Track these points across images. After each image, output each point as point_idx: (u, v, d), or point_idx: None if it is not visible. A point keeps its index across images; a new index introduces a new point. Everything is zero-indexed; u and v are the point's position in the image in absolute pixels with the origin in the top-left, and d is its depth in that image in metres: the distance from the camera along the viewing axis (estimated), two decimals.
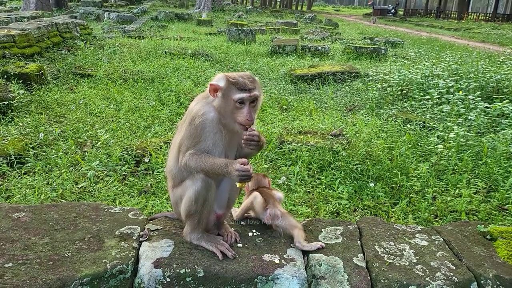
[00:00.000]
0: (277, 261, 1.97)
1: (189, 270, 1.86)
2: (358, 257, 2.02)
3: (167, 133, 5.05)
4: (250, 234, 2.22)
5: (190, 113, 2.10)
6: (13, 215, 2.20)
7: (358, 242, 2.15)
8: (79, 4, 28.94)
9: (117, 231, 2.11)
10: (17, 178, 3.74)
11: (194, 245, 2.07)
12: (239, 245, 2.11)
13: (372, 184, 3.94)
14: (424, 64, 8.64)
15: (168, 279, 1.83)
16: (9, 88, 5.55)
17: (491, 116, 5.72)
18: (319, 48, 12.23)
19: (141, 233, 2.12)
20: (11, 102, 5.23)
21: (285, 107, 6.63)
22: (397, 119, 5.73)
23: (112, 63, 8.52)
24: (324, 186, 4.10)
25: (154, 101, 6.24)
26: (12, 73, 6.21)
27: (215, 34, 16.25)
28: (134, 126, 5.27)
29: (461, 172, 4.28)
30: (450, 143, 4.67)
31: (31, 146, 4.34)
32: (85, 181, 3.79)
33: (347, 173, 4.27)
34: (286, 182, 4.01)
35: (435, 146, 4.58)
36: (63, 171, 3.89)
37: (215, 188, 2.07)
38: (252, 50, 12.40)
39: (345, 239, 2.16)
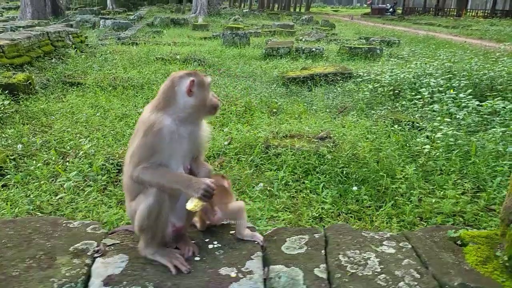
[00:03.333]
0: (233, 274, 1.89)
1: (140, 287, 1.79)
2: (320, 267, 1.94)
3: None
4: (211, 246, 2.14)
5: (144, 124, 2.04)
6: None
7: (323, 251, 2.07)
8: (76, 12, 29.02)
9: (72, 247, 2.04)
10: None
11: (149, 260, 2.00)
12: (197, 258, 2.03)
13: (355, 188, 3.87)
14: (417, 63, 8.56)
15: None
16: None
17: (482, 114, 5.63)
18: (313, 49, 12.17)
19: (96, 249, 2.06)
20: None
21: (275, 110, 6.57)
22: (386, 119, 5.66)
23: (102, 71, 8.49)
24: (308, 191, 4.03)
25: (142, 108, 6.18)
26: None
27: (210, 38, 16.23)
28: (119, 134, 5.22)
29: (449, 173, 4.20)
30: (438, 143, 4.60)
31: (12, 157, 4.29)
32: (64, 192, 3.74)
33: (332, 177, 4.20)
34: (267, 189, 3.94)
35: (422, 147, 4.51)
36: (42, 182, 3.84)
37: (168, 203, 2.00)
38: (246, 53, 12.35)
39: (309, 248, 2.09)
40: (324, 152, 4.46)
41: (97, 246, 2.09)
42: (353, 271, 1.90)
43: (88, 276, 1.89)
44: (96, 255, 2.02)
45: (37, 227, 2.19)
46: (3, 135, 4.82)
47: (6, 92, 6.12)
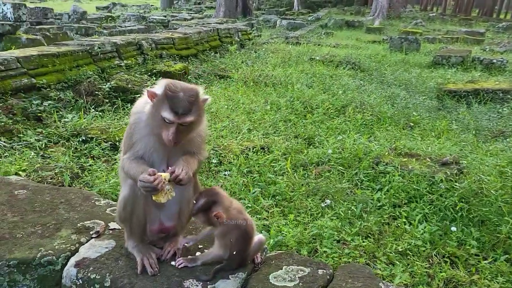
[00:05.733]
0: None
1: (99, 277, 1.77)
2: None
3: (260, 139, 4.97)
4: (198, 254, 1.98)
5: (132, 111, 1.99)
6: (15, 192, 2.45)
7: None
8: (264, 13, 31.24)
9: (81, 223, 2.15)
10: (109, 162, 4.22)
11: (130, 252, 1.96)
12: (173, 263, 1.91)
13: (453, 228, 3.16)
14: None
15: (80, 281, 1.78)
16: (146, 83, 6.31)
17: None
18: (494, 61, 10.45)
19: (97, 229, 2.12)
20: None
21: (412, 124, 5.87)
22: None
23: (253, 67, 8.90)
24: (405, 220, 3.47)
25: (269, 105, 6.26)
26: (156, 70, 7.04)
27: (379, 42, 15.47)
28: (237, 127, 5.36)
29: None
30: None
31: None
32: None
33: (440, 210, 3.53)
34: (351, 208, 3.53)
35: None
36: None
37: (143, 198, 1.90)
38: (411, 60, 11.37)
39: (300, 284, 1.74)
40: (439, 179, 3.77)
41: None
42: None
43: (76, 253, 1.97)
44: (93, 235, 2.10)
45: (70, 199, 2.40)
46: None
47: (160, 78, 6.91)
